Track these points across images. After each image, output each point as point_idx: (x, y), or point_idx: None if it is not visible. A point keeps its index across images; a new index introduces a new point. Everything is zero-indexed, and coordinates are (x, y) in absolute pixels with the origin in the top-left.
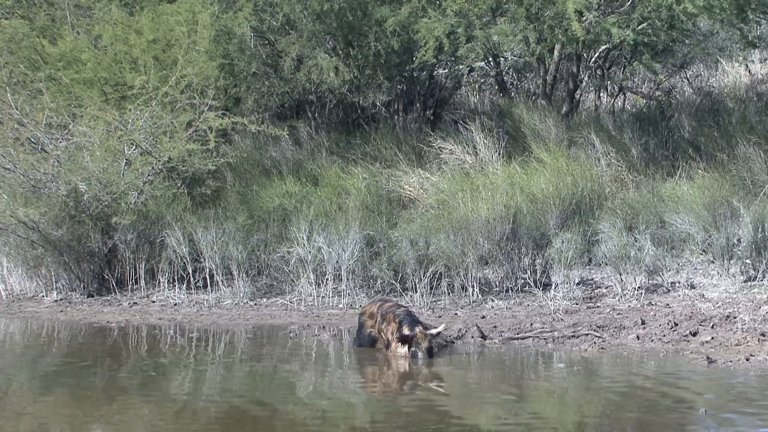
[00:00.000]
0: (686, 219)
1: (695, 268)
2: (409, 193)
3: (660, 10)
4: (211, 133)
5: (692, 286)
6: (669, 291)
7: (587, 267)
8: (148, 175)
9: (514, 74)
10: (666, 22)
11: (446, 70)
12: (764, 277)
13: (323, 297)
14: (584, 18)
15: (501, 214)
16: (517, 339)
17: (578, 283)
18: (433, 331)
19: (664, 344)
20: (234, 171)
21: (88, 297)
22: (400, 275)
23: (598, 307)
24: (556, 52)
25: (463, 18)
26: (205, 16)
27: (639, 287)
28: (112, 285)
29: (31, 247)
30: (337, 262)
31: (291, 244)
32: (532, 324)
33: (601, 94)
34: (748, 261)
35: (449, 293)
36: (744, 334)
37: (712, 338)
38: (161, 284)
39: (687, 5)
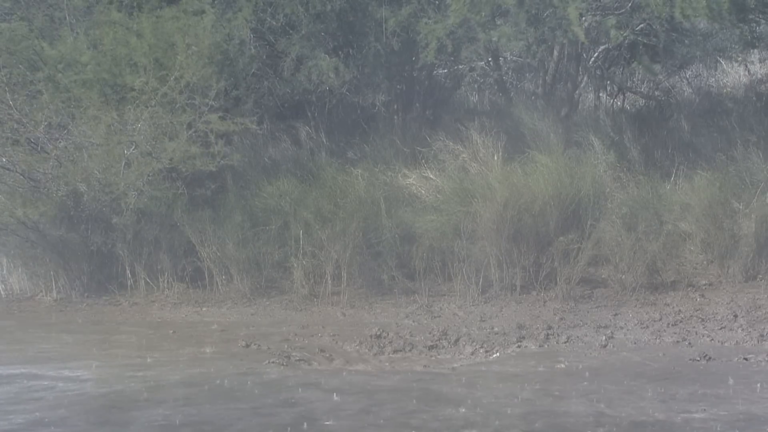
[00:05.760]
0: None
1: (695, 268)
2: (408, 193)
3: (660, 14)
4: (214, 137)
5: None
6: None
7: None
8: (148, 176)
9: (513, 74)
10: (665, 21)
11: (446, 70)
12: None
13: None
14: (583, 19)
15: (501, 214)
16: None
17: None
18: None
19: None
20: (233, 171)
21: (87, 297)
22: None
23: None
24: (555, 53)
25: (465, 23)
26: (207, 22)
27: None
28: (112, 284)
29: (31, 247)
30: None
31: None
32: None
33: (601, 94)
34: None
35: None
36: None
37: None
38: (161, 284)
39: (687, 10)
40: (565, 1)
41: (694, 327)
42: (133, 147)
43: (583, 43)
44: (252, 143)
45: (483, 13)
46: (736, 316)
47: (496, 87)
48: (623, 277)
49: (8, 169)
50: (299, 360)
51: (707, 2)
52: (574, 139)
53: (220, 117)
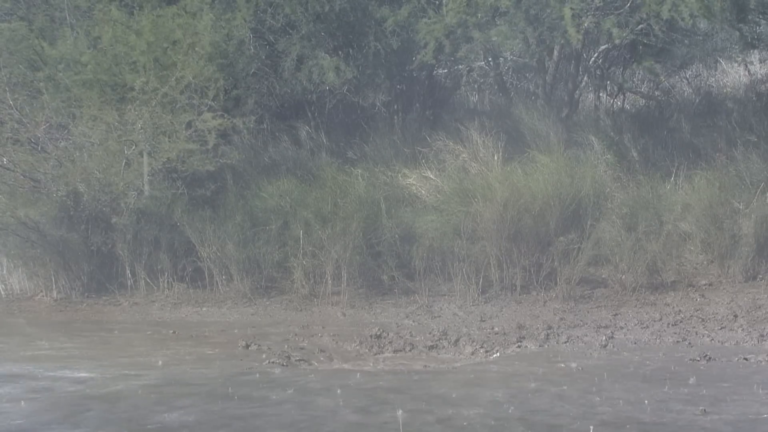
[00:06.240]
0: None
1: (695, 268)
2: (408, 193)
3: (659, 15)
4: (209, 133)
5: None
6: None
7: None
8: (148, 176)
9: (513, 74)
10: (665, 23)
11: (446, 70)
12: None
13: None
14: (582, 20)
15: (501, 214)
16: None
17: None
18: None
19: None
20: (233, 171)
21: (87, 297)
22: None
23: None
24: (555, 53)
25: (462, 23)
26: (206, 20)
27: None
28: (112, 284)
29: (31, 247)
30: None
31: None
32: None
33: (601, 94)
34: None
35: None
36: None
37: None
38: (161, 284)
39: (684, 14)
40: (561, 1)
41: (694, 327)
42: (133, 147)
43: (581, 44)
44: (252, 143)
45: (479, 14)
46: (736, 316)
47: (496, 87)
48: (623, 277)
49: (9, 169)
50: (299, 360)
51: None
52: (574, 139)
53: (213, 116)
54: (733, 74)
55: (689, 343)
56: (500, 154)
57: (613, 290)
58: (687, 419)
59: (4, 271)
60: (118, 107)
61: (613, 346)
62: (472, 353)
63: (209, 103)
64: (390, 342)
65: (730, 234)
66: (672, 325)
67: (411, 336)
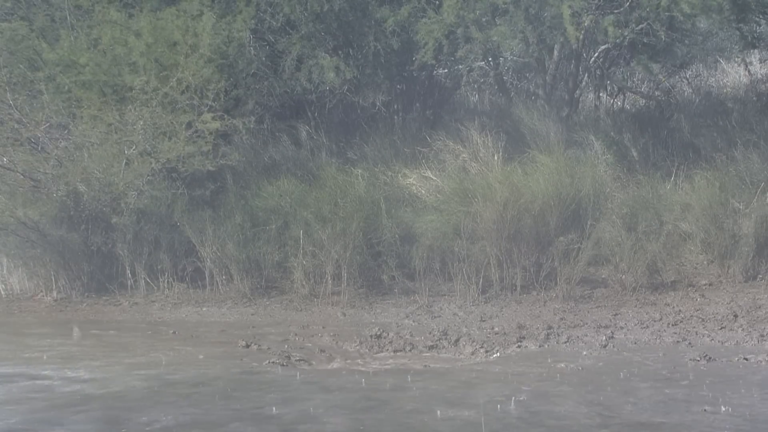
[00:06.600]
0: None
1: (695, 268)
2: (408, 193)
3: (658, 10)
4: (209, 135)
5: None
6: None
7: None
8: (148, 176)
9: (513, 74)
10: (665, 22)
11: (446, 70)
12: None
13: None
14: (582, 19)
15: (501, 214)
16: None
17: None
18: None
19: None
20: (233, 171)
21: (87, 297)
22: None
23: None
24: (555, 52)
25: (461, 21)
26: (206, 22)
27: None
28: (112, 284)
29: (31, 246)
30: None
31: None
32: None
33: (601, 94)
34: None
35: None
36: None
37: None
38: (161, 284)
39: (683, 6)
40: None
41: (694, 327)
42: (133, 147)
43: (581, 43)
44: (252, 143)
45: (477, 12)
46: (736, 316)
47: (496, 87)
48: (623, 277)
49: (9, 169)
50: (299, 360)
51: None
52: (574, 139)
53: (213, 117)
54: (733, 74)
55: (689, 343)
56: (500, 154)
57: (613, 290)
58: (687, 419)
59: (4, 271)
60: (118, 108)
61: (613, 346)
62: (472, 353)
63: (209, 103)
64: (390, 342)
65: (730, 234)
66: (672, 325)
67: (411, 336)
